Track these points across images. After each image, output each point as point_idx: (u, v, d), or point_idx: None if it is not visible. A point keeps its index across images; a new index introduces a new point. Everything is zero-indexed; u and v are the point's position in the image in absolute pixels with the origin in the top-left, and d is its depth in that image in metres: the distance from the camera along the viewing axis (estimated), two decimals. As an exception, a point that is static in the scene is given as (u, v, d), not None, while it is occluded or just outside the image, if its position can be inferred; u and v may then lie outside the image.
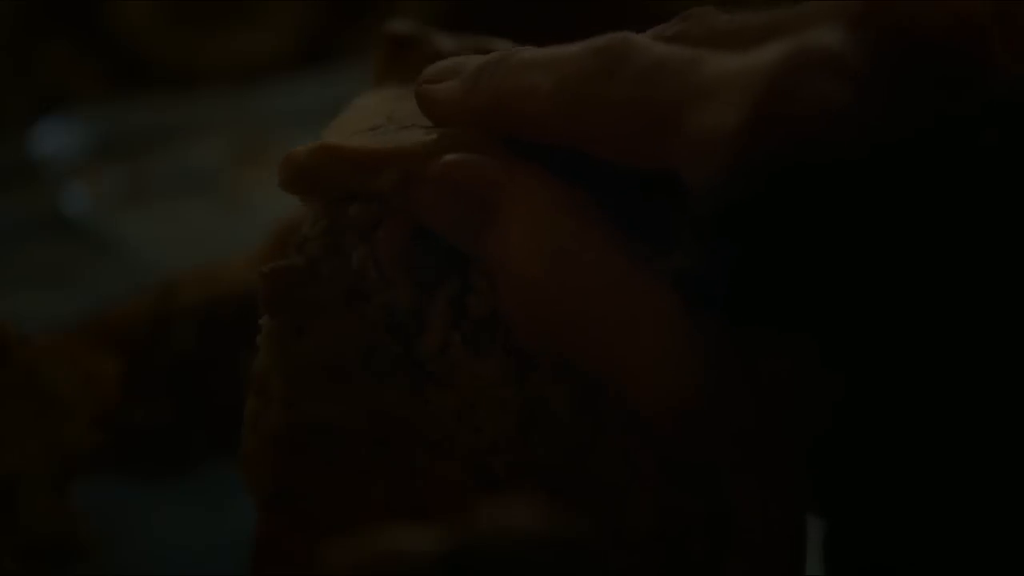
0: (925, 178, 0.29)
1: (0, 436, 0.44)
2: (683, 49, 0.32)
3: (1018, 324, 0.29)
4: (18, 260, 0.66)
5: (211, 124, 0.74)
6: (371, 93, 0.40)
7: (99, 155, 0.73)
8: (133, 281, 0.59)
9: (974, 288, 0.29)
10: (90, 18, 0.86)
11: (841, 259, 0.30)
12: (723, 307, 0.31)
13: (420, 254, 0.35)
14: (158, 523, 0.52)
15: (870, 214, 0.29)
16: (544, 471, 0.34)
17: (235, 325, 0.52)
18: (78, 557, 0.46)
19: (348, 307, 0.35)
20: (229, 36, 0.87)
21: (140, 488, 0.53)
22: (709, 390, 0.31)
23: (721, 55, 0.31)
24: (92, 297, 0.60)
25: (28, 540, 0.44)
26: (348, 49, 0.88)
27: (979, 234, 0.29)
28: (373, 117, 0.37)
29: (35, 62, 0.85)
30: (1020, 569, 0.30)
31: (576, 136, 0.33)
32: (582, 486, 0.34)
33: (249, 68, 0.85)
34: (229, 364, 0.51)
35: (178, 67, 0.86)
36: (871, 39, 0.30)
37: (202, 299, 0.53)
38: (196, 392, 0.53)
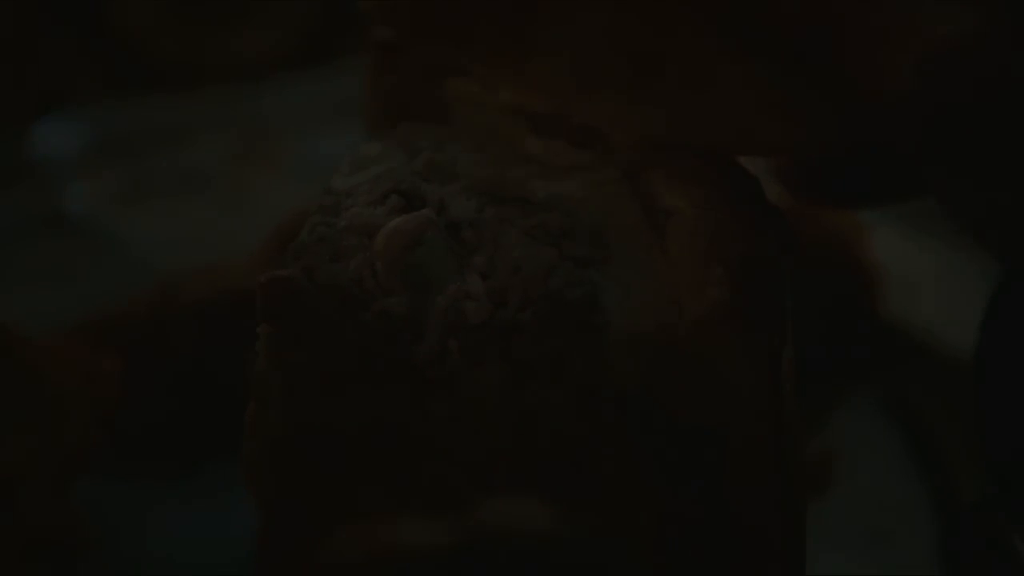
0: None
1: (0, 435, 0.44)
2: None
3: None
4: (18, 260, 0.66)
5: (211, 123, 0.74)
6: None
7: (99, 155, 0.73)
8: (133, 281, 0.59)
9: None
10: (90, 18, 0.86)
11: None
12: None
13: (417, 262, 0.35)
14: (158, 523, 0.52)
15: None
16: (543, 477, 0.34)
17: (236, 324, 0.51)
18: (78, 556, 0.46)
19: (345, 315, 0.35)
20: (230, 35, 0.87)
21: (140, 488, 0.53)
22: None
23: None
24: (92, 297, 0.60)
25: (28, 540, 0.44)
26: (350, 48, 0.88)
27: None
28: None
29: (35, 62, 0.85)
30: None
31: None
32: (581, 492, 0.34)
33: (250, 66, 0.85)
34: (229, 364, 0.51)
35: (179, 66, 0.86)
36: None
37: (203, 298, 0.53)
38: (196, 392, 0.53)
